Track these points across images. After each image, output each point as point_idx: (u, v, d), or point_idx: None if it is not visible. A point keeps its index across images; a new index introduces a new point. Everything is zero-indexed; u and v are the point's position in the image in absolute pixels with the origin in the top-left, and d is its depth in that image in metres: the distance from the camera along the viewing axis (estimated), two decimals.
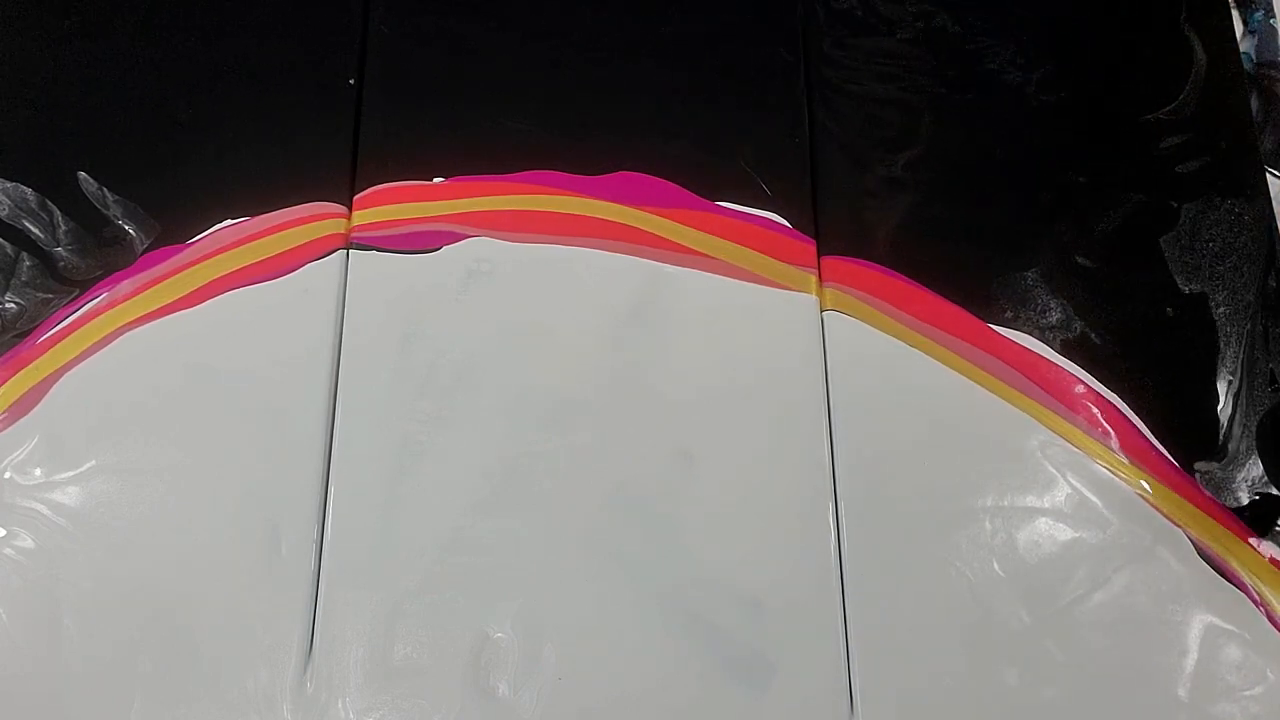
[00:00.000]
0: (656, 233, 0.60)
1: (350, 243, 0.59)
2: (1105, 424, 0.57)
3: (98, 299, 0.57)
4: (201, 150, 0.61)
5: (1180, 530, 0.55)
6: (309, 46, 0.63)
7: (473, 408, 0.56)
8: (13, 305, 0.57)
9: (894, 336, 0.58)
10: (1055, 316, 0.59)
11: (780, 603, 0.53)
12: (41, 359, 0.56)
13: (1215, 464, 0.56)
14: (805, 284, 0.59)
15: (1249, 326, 0.59)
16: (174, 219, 0.59)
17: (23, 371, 0.56)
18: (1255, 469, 0.56)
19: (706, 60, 0.64)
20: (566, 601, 0.53)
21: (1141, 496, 0.55)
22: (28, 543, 0.52)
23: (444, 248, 0.59)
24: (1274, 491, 0.56)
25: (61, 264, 0.58)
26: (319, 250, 0.59)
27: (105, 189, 0.59)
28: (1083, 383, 0.58)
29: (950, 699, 0.51)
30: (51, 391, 0.55)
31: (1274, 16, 0.68)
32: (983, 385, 0.57)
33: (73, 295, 0.57)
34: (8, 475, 0.53)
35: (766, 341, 0.58)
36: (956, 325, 0.58)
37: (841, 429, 0.56)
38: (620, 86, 0.63)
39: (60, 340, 0.56)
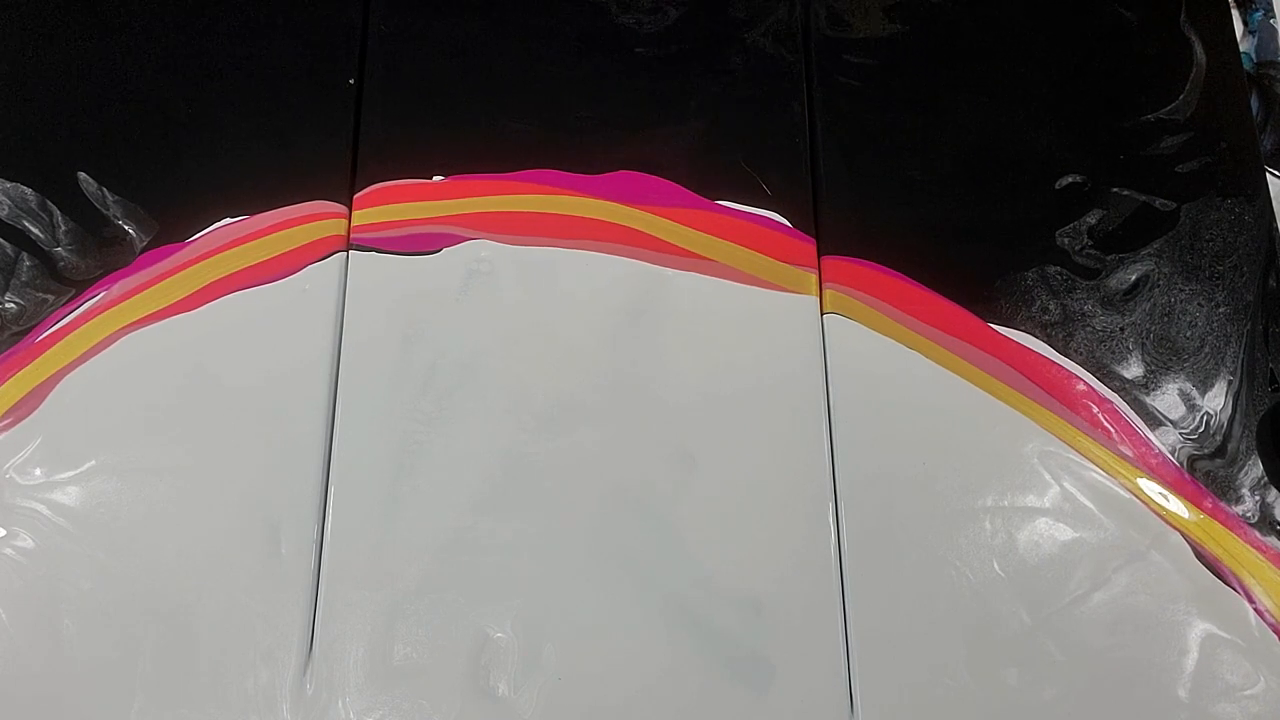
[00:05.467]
0: (656, 234, 0.60)
1: (350, 244, 0.59)
2: (1105, 424, 0.57)
3: (96, 298, 0.57)
4: (201, 150, 0.61)
5: (1178, 531, 0.55)
6: (309, 46, 0.63)
7: (473, 408, 0.56)
8: (12, 305, 0.57)
9: (893, 338, 0.58)
10: (1055, 316, 0.59)
11: (780, 603, 0.53)
12: (42, 359, 0.56)
13: (1215, 464, 0.56)
14: (805, 285, 0.59)
15: (1249, 326, 0.59)
16: (173, 218, 0.59)
17: (23, 371, 0.56)
18: (1255, 469, 0.56)
19: (706, 60, 0.64)
20: (566, 601, 0.53)
21: (1140, 497, 0.55)
22: (28, 543, 0.52)
23: (444, 249, 0.59)
24: (1274, 491, 0.56)
25: (61, 264, 0.58)
26: (319, 251, 0.59)
27: (105, 189, 0.59)
28: (1083, 382, 0.58)
29: (950, 699, 0.51)
30: (53, 393, 0.55)
31: (1274, 16, 0.68)
32: (982, 386, 0.57)
33: (70, 295, 0.57)
34: (9, 476, 0.53)
35: (767, 343, 0.58)
36: (956, 325, 0.58)
37: (841, 430, 0.56)
38: (620, 86, 0.63)
39: (59, 340, 0.56)
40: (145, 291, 0.57)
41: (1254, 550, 0.55)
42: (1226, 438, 0.57)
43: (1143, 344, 0.59)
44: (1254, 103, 0.66)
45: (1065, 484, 0.55)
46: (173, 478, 0.54)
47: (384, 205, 0.60)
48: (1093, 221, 0.61)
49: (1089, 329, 0.59)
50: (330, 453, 0.55)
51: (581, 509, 0.54)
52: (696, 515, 0.54)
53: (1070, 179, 0.62)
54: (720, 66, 0.64)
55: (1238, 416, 0.57)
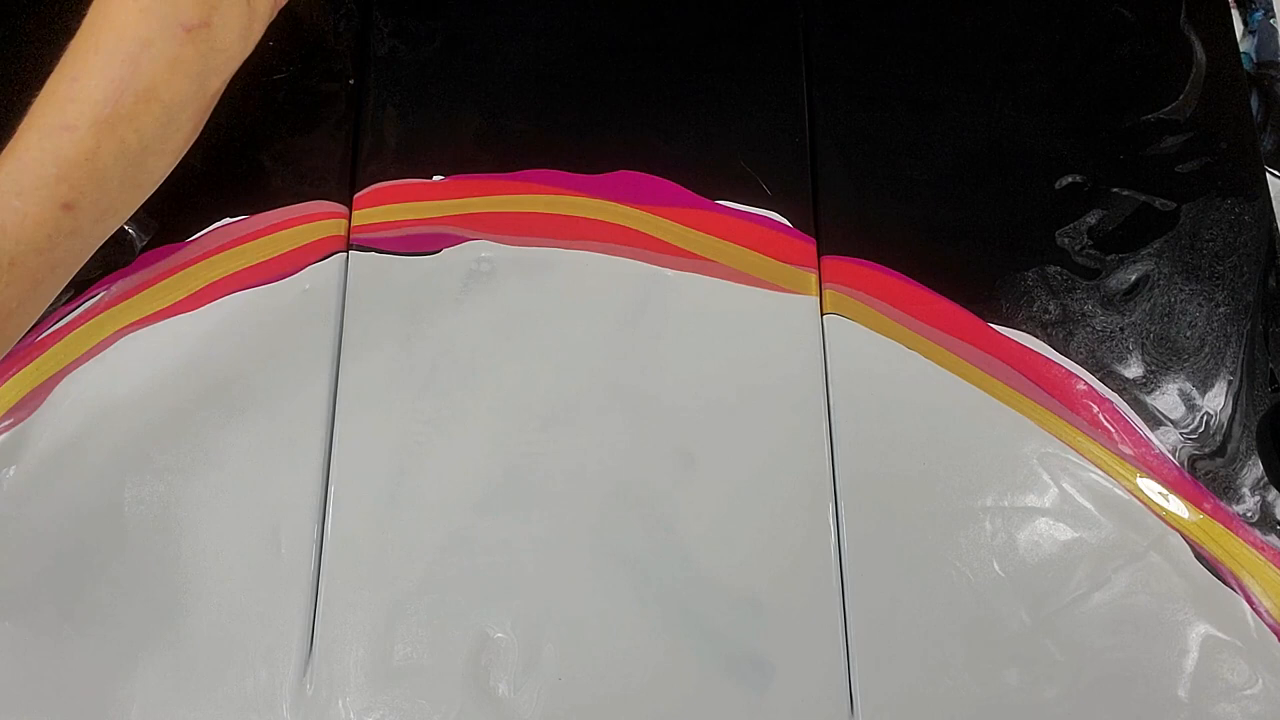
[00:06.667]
0: (657, 234, 0.60)
1: (350, 244, 0.59)
2: (1105, 424, 0.57)
3: (96, 298, 0.57)
4: (201, 150, 0.60)
5: (1178, 532, 0.55)
6: (309, 47, 0.63)
7: (473, 408, 0.56)
8: None
9: (894, 339, 0.58)
10: (1055, 316, 0.59)
11: (780, 603, 0.53)
12: (42, 359, 0.56)
13: (1215, 464, 0.56)
14: (805, 285, 0.59)
15: (1249, 326, 0.59)
16: (173, 218, 0.59)
17: (23, 371, 0.56)
18: (1255, 469, 0.56)
19: (706, 60, 0.64)
20: (566, 601, 0.53)
21: (1140, 497, 0.55)
22: (27, 542, 0.52)
23: (444, 249, 0.59)
24: (1274, 491, 0.56)
25: None
26: (319, 252, 0.59)
27: None
28: (1083, 382, 0.58)
29: (950, 699, 0.51)
30: (53, 393, 0.55)
31: (1274, 16, 0.68)
32: (982, 387, 0.57)
33: (70, 295, 0.57)
34: (10, 475, 0.53)
35: (767, 344, 0.58)
36: (956, 325, 0.58)
37: (841, 430, 0.56)
38: (620, 86, 0.63)
39: (59, 340, 0.56)
40: (145, 291, 0.57)
41: (1254, 550, 0.55)
42: (1226, 438, 0.57)
43: (1143, 344, 0.59)
44: (1254, 103, 0.66)
45: (1065, 484, 0.55)
46: (173, 478, 0.54)
47: (384, 205, 0.60)
48: (1093, 221, 0.61)
49: (1089, 329, 0.59)
50: (330, 453, 0.55)
51: (581, 509, 0.54)
52: (696, 515, 0.54)
53: (1070, 179, 0.62)
54: (720, 66, 0.64)
55: (1238, 416, 0.57)
